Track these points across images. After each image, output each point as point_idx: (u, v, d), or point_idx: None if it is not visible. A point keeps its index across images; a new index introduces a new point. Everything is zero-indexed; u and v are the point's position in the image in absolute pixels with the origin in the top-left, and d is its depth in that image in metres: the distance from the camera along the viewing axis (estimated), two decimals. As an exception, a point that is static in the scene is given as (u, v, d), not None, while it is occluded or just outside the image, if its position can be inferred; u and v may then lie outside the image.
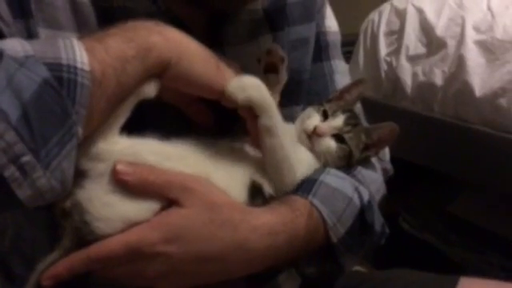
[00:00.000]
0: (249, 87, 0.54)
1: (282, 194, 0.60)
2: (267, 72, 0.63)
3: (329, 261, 0.63)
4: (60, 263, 0.48)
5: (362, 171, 0.69)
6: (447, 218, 1.64)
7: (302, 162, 0.62)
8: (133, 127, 0.52)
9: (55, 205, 0.49)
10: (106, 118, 0.49)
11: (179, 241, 0.49)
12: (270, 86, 0.62)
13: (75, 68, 0.43)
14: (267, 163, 0.59)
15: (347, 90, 0.72)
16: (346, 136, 0.65)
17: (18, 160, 0.41)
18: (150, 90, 0.50)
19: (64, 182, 0.44)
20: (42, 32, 0.56)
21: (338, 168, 0.66)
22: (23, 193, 0.42)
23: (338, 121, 0.66)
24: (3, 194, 0.41)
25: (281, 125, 0.58)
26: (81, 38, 0.48)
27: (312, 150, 0.64)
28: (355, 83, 0.74)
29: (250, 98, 0.54)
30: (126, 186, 0.49)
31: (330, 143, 0.64)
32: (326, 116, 0.67)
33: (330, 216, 0.59)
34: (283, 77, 0.64)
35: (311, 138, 0.64)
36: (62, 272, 0.48)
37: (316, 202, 0.59)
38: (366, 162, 0.71)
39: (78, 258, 0.48)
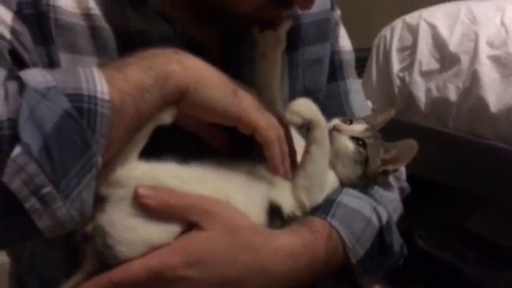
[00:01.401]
0: (300, 109, 0.58)
1: (302, 210, 0.60)
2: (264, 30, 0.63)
3: (346, 282, 0.62)
4: (81, 287, 0.48)
5: (379, 191, 0.69)
6: (463, 234, 1.61)
7: (328, 182, 0.63)
8: (150, 151, 0.52)
9: (76, 229, 0.50)
10: (125, 145, 0.49)
11: (201, 264, 0.49)
12: (268, 45, 0.63)
13: (95, 98, 0.44)
14: (301, 173, 0.60)
15: (373, 115, 0.74)
16: (366, 140, 0.66)
17: (39, 191, 0.41)
18: (167, 116, 0.51)
19: (83, 212, 0.45)
20: (62, 57, 0.57)
21: (354, 182, 0.66)
22: (43, 223, 0.42)
23: (360, 126, 0.67)
24: (23, 224, 0.42)
25: (327, 142, 0.61)
26: (100, 66, 0.48)
27: (330, 150, 0.64)
28: (382, 111, 0.75)
29: (304, 118, 0.58)
30: (148, 209, 0.49)
31: (348, 143, 0.65)
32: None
33: (349, 237, 0.59)
34: (282, 36, 0.64)
35: (330, 134, 0.64)
36: None
37: (335, 223, 0.59)
38: (383, 182, 0.70)
39: (98, 282, 0.48)
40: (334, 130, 0.65)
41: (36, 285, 0.69)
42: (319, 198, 0.62)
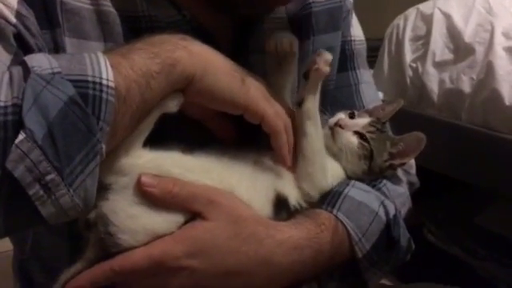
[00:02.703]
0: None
1: (308, 199, 0.59)
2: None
3: (352, 276, 0.61)
4: (83, 275, 0.48)
5: (387, 184, 0.68)
6: (475, 230, 1.59)
7: (331, 169, 0.62)
8: (155, 140, 0.52)
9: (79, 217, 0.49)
10: (129, 133, 0.49)
11: (203, 255, 0.49)
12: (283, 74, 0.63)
13: (100, 84, 0.43)
14: (302, 156, 0.59)
15: (382, 106, 0.72)
16: (369, 135, 0.65)
17: (43, 178, 0.41)
18: (173, 104, 0.50)
19: (87, 200, 0.44)
20: (68, 41, 0.56)
21: (360, 176, 0.65)
22: (47, 210, 0.42)
23: (363, 121, 0.66)
24: (27, 211, 0.42)
25: (319, 120, 0.60)
26: (106, 52, 0.48)
27: (333, 146, 0.64)
28: (390, 102, 0.74)
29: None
30: (151, 197, 0.49)
31: (352, 138, 0.64)
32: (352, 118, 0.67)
33: (355, 230, 0.58)
34: (292, 70, 0.64)
35: (334, 130, 0.64)
36: (84, 284, 0.48)
37: (341, 215, 0.58)
38: (391, 176, 0.69)
39: (101, 270, 0.48)
40: (337, 125, 0.64)
41: (39, 271, 0.70)
42: (323, 182, 0.61)
